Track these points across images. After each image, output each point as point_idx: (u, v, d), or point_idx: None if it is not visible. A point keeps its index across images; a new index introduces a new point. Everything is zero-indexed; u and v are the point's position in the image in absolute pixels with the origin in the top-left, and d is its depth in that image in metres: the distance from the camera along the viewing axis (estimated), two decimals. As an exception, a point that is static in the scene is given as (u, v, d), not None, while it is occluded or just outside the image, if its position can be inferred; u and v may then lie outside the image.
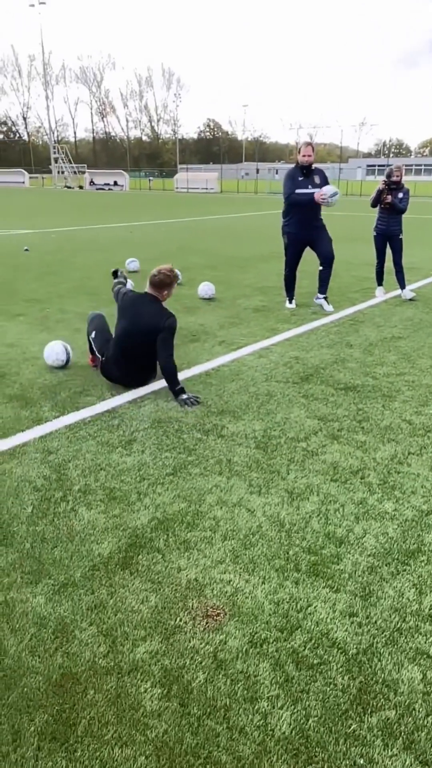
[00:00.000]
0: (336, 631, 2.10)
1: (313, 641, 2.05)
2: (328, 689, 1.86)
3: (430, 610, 2.20)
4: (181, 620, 2.13)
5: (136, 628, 2.09)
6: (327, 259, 6.88)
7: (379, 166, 65.34)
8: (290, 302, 7.26)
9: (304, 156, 6.53)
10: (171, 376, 4.14)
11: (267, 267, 10.38)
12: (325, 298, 7.08)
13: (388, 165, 8.76)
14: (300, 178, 6.56)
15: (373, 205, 7.59)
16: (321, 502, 2.92)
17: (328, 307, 7.01)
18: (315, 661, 1.96)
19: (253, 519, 2.76)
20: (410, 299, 7.71)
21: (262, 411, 4.04)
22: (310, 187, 6.53)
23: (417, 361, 5.20)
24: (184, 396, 4.11)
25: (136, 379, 4.43)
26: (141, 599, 2.23)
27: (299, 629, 2.10)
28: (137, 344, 4.20)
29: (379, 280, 8.10)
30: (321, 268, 6.99)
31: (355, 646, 2.03)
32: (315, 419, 3.93)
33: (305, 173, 6.58)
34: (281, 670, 1.93)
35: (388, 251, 7.76)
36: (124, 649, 2.01)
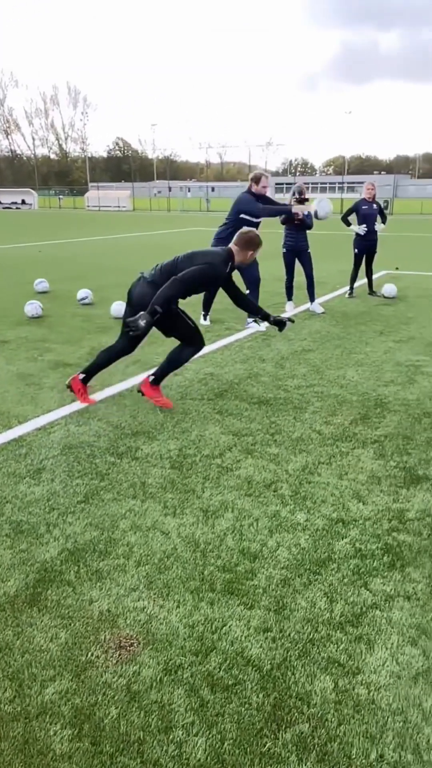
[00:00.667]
0: (251, 649, 2.10)
1: (228, 662, 2.04)
2: (243, 709, 1.85)
3: (340, 617, 2.26)
4: (92, 655, 2.06)
5: (44, 668, 2.00)
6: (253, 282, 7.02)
7: (286, 184, 67.74)
8: (205, 318, 7.32)
9: (264, 187, 6.78)
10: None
11: (181, 284, 10.44)
12: (255, 320, 7.15)
13: (294, 183, 9.09)
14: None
15: (283, 222, 7.84)
16: (235, 518, 2.94)
17: (261, 326, 7.10)
18: (230, 682, 1.95)
19: (168, 541, 2.73)
20: (319, 313, 7.99)
21: (177, 429, 4.03)
22: None
23: (325, 372, 5.38)
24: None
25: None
26: (50, 637, 2.14)
27: (214, 651, 2.08)
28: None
29: (289, 295, 8.35)
30: (247, 290, 7.08)
31: (269, 662, 2.04)
32: (230, 435, 3.96)
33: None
34: (196, 696, 1.90)
35: (297, 266, 8.04)
36: (31, 692, 1.91)
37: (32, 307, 7.58)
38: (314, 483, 3.32)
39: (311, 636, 2.16)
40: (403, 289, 9.66)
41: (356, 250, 9.15)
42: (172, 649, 2.09)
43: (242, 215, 6.69)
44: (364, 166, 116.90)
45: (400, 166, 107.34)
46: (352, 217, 9.05)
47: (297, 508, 3.05)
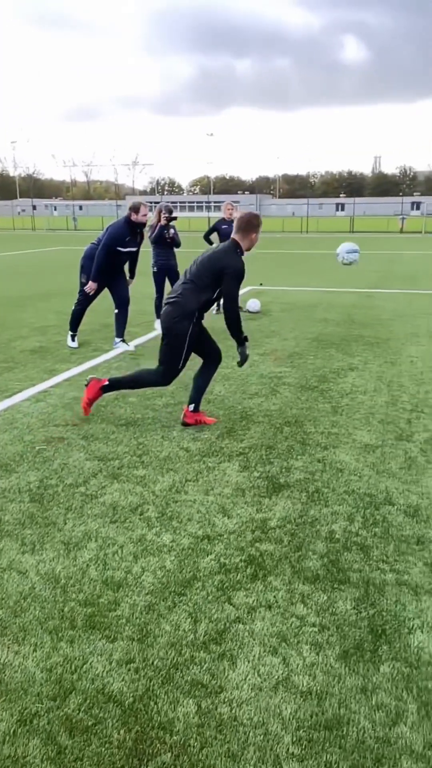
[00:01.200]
0: (113, 684, 2.03)
1: (88, 701, 1.95)
2: (104, 749, 1.78)
3: (204, 636, 2.26)
4: None
5: None
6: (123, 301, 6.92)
7: (154, 202, 68.56)
8: (73, 340, 7.13)
9: (144, 216, 6.65)
10: None
11: (47, 305, 10.13)
12: (123, 340, 7.03)
13: (160, 202, 9.17)
14: (127, 238, 6.59)
15: (155, 241, 7.87)
16: (99, 548, 2.85)
17: (130, 346, 6.99)
18: (90, 723, 1.87)
19: (25, 581, 2.58)
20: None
21: (39, 460, 3.86)
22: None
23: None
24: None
25: None
26: None
27: (74, 692, 1.99)
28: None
29: (158, 313, 8.38)
30: (116, 311, 6.97)
31: (131, 695, 1.99)
32: (95, 460, 3.86)
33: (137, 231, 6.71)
34: (53, 743, 1.80)
35: (167, 284, 8.10)
36: None
37: None
38: (181, 501, 3.32)
39: (175, 660, 2.13)
40: (267, 304, 10.09)
41: (219, 268, 9.41)
42: (28, 697, 1.96)
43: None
44: (229, 185, 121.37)
45: (262, 186, 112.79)
46: (215, 236, 9.32)
47: (163, 529, 3.03)
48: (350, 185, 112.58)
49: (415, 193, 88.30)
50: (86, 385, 4.54)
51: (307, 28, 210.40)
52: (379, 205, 75.49)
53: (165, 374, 4.50)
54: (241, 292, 4.52)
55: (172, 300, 4.39)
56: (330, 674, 2.07)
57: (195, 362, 4.61)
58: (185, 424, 4.50)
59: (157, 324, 8.29)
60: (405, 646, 2.21)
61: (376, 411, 4.83)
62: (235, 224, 4.42)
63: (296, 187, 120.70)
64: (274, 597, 2.49)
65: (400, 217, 44.30)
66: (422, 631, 2.28)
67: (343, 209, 74.53)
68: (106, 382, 4.52)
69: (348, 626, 2.31)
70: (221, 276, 4.27)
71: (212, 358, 4.61)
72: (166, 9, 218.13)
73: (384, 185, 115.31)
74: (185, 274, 4.47)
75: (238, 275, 4.29)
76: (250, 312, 9.43)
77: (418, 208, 67.83)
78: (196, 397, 4.56)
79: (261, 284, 12.79)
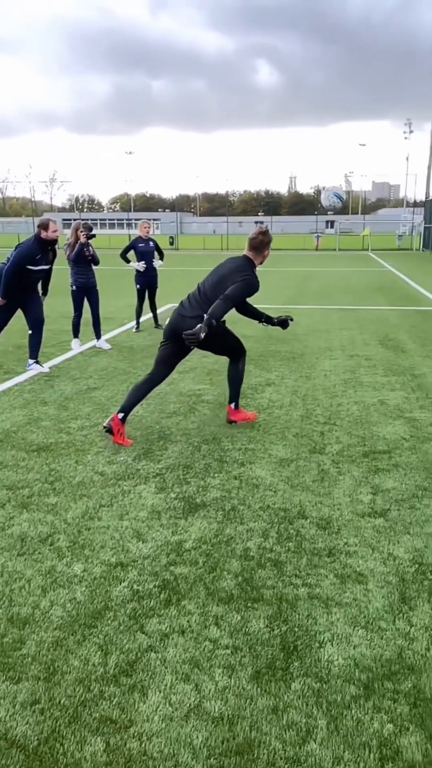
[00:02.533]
0: (16, 728, 1.92)
1: (-12, 751, 1.84)
2: (4, 803, 1.68)
3: (114, 669, 2.19)
4: None
5: None
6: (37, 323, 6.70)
7: (73, 219, 67.66)
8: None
9: (54, 232, 6.42)
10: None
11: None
12: (37, 362, 6.79)
13: (77, 219, 9.00)
14: (38, 256, 6.37)
15: (75, 259, 7.71)
16: (5, 583, 2.72)
17: (44, 368, 6.76)
18: (-11, 775, 1.76)
19: None
20: (106, 349, 7.98)
21: None
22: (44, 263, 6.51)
23: (111, 409, 5.35)
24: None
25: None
26: None
27: (-28, 743, 1.87)
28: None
29: (75, 333, 8.21)
30: (30, 331, 6.72)
31: (36, 738, 1.89)
32: (3, 489, 3.69)
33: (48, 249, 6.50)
34: None
35: (85, 303, 7.94)
36: None
37: None
38: (94, 529, 3.23)
39: (83, 697, 2.05)
40: (186, 321, 10.12)
41: (138, 286, 9.38)
42: None
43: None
44: (150, 203, 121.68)
45: (183, 204, 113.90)
46: (132, 254, 9.28)
47: (74, 559, 2.93)
48: (268, 204, 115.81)
49: (329, 212, 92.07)
50: (234, 421, 4.88)
51: (220, 52, 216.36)
52: (295, 224, 78.12)
53: (239, 352, 4.83)
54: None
55: (195, 315, 4.33)
56: (242, 697, 2.06)
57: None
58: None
59: (74, 344, 8.14)
60: (315, 660, 2.23)
61: (292, 425, 4.93)
62: (248, 243, 4.56)
63: (216, 205, 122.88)
64: (188, 621, 2.45)
65: (315, 235, 45.97)
66: (332, 644, 2.32)
67: (261, 227, 76.47)
68: (232, 404, 4.89)
69: (261, 645, 2.31)
70: (235, 282, 4.33)
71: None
72: (80, 27, 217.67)
73: (300, 204, 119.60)
74: (199, 290, 4.55)
75: (251, 286, 4.43)
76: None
77: (332, 226, 70.56)
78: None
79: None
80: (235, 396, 4.90)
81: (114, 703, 2.03)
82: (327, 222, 75.27)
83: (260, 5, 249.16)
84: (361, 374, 6.65)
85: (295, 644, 2.31)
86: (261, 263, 4.60)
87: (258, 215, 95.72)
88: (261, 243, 4.54)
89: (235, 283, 4.34)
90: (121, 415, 4.47)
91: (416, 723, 1.95)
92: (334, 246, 43.38)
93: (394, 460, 4.18)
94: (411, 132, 73.40)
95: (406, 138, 73.14)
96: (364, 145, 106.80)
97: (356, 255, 35.70)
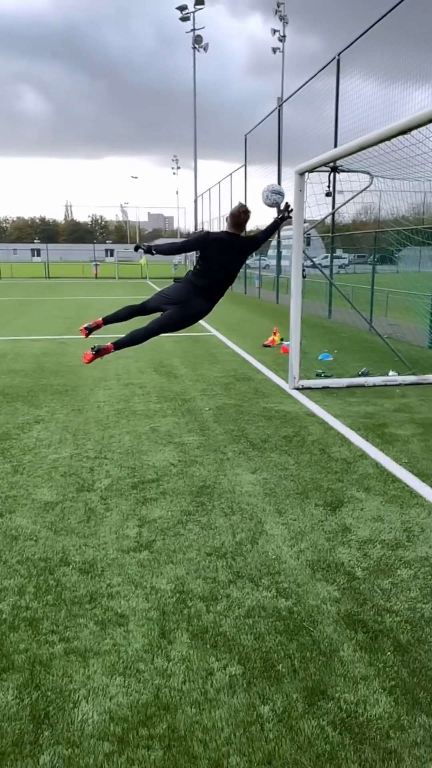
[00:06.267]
0: None
1: None
2: None
3: None
4: None
5: None
6: None
7: None
8: None
9: None
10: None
11: None
12: None
13: None
14: None
15: None
16: None
17: None
18: None
19: None
20: None
21: None
22: None
23: None
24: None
25: None
26: None
27: None
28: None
29: None
30: None
31: None
32: None
33: None
34: None
35: None
36: None
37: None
38: None
39: None
40: None
41: None
42: None
43: None
44: None
45: None
46: None
47: None
48: (44, 231, 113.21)
49: (107, 241, 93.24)
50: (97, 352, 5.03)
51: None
52: (74, 252, 77.30)
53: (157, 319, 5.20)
54: None
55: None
56: (-19, 791, 1.83)
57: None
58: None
59: None
60: (68, 724, 2.09)
61: (60, 464, 4.73)
62: (231, 220, 5.10)
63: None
64: None
65: (94, 263, 46.07)
66: (87, 701, 2.20)
67: (39, 255, 74.33)
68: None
69: (7, 721, 2.09)
70: None
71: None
72: None
73: (78, 232, 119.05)
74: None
75: (198, 240, 5.26)
76: None
77: (112, 254, 71.53)
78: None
79: None
80: (120, 343, 5.16)
81: None
82: (106, 250, 76.07)
83: (24, 33, 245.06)
84: (135, 403, 6.71)
85: (47, 710, 2.14)
86: (236, 229, 5.16)
87: (34, 242, 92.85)
88: (246, 220, 5.12)
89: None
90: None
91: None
92: (113, 274, 43.90)
93: (162, 488, 4.24)
94: (179, 168, 78.20)
95: (174, 173, 77.74)
96: (136, 177, 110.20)
97: (135, 283, 36.60)
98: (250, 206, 5.18)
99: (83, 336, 5.22)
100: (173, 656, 2.45)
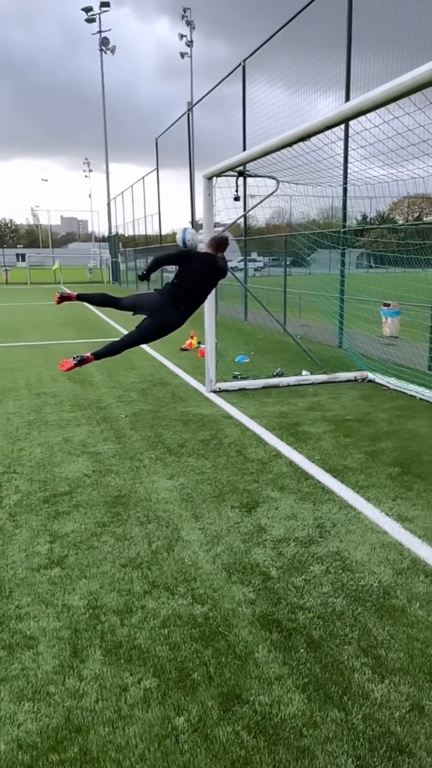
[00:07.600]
0: None
1: None
2: None
3: None
4: None
5: None
6: None
7: None
8: None
9: None
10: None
11: None
12: None
13: None
14: None
15: None
16: None
17: None
18: None
19: None
20: None
21: None
22: None
23: None
24: None
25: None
26: None
27: None
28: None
29: None
30: None
31: None
32: None
33: None
34: None
35: None
36: None
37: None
38: None
39: None
40: None
41: None
42: None
43: None
44: None
45: None
46: None
47: None
48: None
49: (18, 245, 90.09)
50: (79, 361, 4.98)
51: None
52: (-17, 257, 74.03)
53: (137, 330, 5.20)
54: None
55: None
56: None
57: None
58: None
59: None
60: (-29, 760, 1.97)
61: (-35, 481, 4.49)
62: (213, 243, 5.45)
63: None
64: None
65: (4, 268, 44.37)
66: (-8, 733, 2.08)
67: None
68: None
69: None
70: None
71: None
72: None
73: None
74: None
75: (173, 255, 5.32)
76: None
77: (23, 259, 69.19)
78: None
79: None
80: (99, 353, 5.10)
81: None
82: (17, 255, 73.49)
83: None
84: (47, 413, 6.49)
85: None
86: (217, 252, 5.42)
87: None
88: (225, 247, 5.46)
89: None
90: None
91: (81, 791, 1.85)
92: (25, 279, 42.47)
93: (75, 500, 4.11)
94: (90, 171, 76.86)
95: (86, 176, 76.37)
96: (46, 180, 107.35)
97: (48, 288, 35.55)
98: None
99: (55, 301, 5.23)
100: (85, 675, 2.36)
